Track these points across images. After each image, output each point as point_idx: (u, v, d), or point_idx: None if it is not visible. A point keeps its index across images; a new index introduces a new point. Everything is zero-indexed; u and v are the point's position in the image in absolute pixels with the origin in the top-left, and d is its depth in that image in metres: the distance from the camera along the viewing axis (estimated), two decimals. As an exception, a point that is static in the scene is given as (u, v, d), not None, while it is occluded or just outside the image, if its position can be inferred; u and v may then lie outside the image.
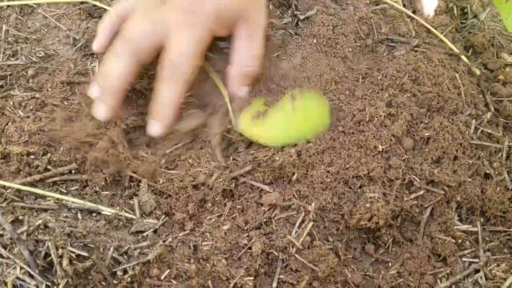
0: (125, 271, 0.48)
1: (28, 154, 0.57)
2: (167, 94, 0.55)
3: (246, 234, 0.53)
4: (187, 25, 0.53)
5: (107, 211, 0.54)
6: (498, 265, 0.56)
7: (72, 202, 0.54)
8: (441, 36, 0.71)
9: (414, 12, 0.76)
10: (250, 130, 0.53)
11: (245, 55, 0.58)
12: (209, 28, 0.55)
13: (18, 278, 0.45)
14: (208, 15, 0.54)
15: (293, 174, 0.56)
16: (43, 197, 0.54)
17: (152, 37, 0.54)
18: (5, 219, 0.47)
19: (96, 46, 0.62)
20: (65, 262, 0.46)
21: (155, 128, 0.57)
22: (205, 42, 0.55)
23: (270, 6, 0.71)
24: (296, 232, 0.52)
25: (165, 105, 0.56)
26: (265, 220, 0.53)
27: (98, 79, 0.58)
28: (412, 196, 0.57)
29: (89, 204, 0.54)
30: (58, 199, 0.54)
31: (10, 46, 0.67)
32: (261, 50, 0.59)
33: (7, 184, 0.53)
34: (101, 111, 0.56)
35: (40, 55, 0.66)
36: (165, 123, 0.56)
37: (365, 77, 0.66)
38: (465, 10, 0.80)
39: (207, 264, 0.50)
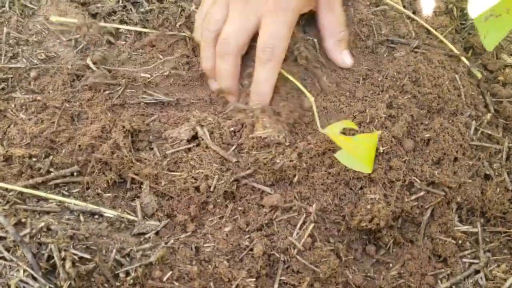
0: (127, 273, 0.48)
1: (30, 156, 0.57)
2: (265, 74, 0.59)
3: (248, 236, 0.53)
4: (278, 10, 0.57)
5: (109, 213, 0.54)
6: (498, 265, 0.56)
7: (74, 204, 0.54)
8: (441, 37, 0.71)
9: (414, 13, 0.77)
10: (336, 136, 0.54)
11: (334, 24, 0.64)
12: (298, 9, 0.59)
13: (21, 280, 0.45)
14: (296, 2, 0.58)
15: (294, 176, 0.56)
16: (45, 199, 0.54)
17: (248, 30, 0.59)
18: (8, 222, 0.47)
19: (214, 86, 0.66)
20: (68, 264, 0.46)
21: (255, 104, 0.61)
22: (294, 23, 0.60)
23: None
24: (297, 233, 0.52)
25: (264, 84, 0.60)
26: (266, 221, 0.53)
27: (217, 78, 0.63)
28: (413, 197, 0.57)
29: (91, 206, 0.54)
30: (60, 201, 0.54)
31: (11, 48, 0.67)
32: (343, 16, 0.65)
33: (9, 186, 0.53)
34: (230, 98, 0.64)
35: (41, 57, 0.66)
36: (265, 100, 0.60)
37: (366, 79, 0.66)
38: (465, 11, 0.80)
39: (209, 266, 0.50)
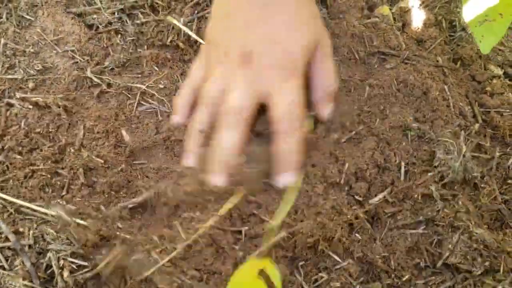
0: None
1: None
2: (289, 145, 0.55)
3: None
4: (286, 78, 0.55)
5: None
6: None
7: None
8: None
9: (404, 25, 0.79)
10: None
11: (325, 76, 0.60)
12: (304, 70, 0.57)
13: (20, 290, 0.46)
14: (301, 63, 0.56)
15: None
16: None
17: (255, 97, 0.54)
18: (9, 229, 0.48)
19: (176, 120, 0.62)
20: (66, 273, 0.47)
21: (288, 179, 0.55)
22: (302, 86, 0.57)
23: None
24: None
25: (291, 154, 0.55)
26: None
27: (212, 152, 0.55)
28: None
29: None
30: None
31: (8, 59, 0.68)
32: (334, 67, 0.62)
33: (8, 198, 0.54)
34: (219, 181, 0.54)
35: (38, 68, 0.67)
36: (294, 169, 0.55)
37: (357, 89, 0.67)
38: (454, 23, 0.82)
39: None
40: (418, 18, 0.79)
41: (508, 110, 0.71)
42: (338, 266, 0.54)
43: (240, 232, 0.54)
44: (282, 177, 0.55)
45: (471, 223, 0.56)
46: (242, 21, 0.56)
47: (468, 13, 0.59)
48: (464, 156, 0.60)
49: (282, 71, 0.55)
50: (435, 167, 0.60)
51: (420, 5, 0.81)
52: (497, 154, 0.65)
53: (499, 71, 0.77)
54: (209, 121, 0.56)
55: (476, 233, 0.55)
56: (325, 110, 0.61)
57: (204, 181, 0.54)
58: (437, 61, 0.73)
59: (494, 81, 0.75)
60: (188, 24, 0.72)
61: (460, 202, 0.58)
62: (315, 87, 0.60)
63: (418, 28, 0.78)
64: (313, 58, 0.59)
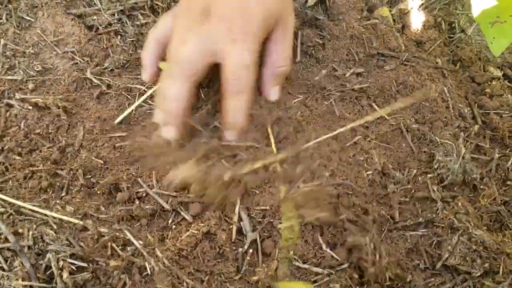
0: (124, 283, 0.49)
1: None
2: (237, 105, 0.56)
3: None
4: (239, 37, 0.54)
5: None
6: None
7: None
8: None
9: (403, 27, 0.79)
10: None
11: (279, 56, 0.59)
12: (260, 36, 0.56)
13: (19, 290, 0.46)
14: (258, 25, 0.55)
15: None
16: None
17: (205, 55, 0.55)
18: (9, 231, 0.48)
19: (145, 76, 0.63)
20: (65, 274, 0.47)
21: (231, 136, 0.58)
22: (258, 51, 0.56)
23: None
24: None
25: (237, 117, 0.57)
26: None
27: (159, 104, 0.58)
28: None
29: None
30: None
31: (8, 60, 0.67)
32: (291, 50, 0.61)
33: (8, 199, 0.54)
34: (169, 133, 0.57)
35: (38, 69, 0.67)
36: (240, 130, 0.58)
37: (357, 91, 0.67)
38: (453, 25, 0.83)
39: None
40: (417, 19, 0.79)
41: (507, 112, 0.71)
42: (338, 268, 0.54)
43: (242, 233, 0.54)
44: (227, 135, 0.57)
45: (471, 225, 0.56)
46: None
47: (479, 15, 0.59)
48: (463, 158, 0.60)
49: (238, 33, 0.54)
50: (434, 169, 0.60)
51: (420, 6, 0.81)
52: (497, 155, 0.66)
53: (499, 73, 0.77)
54: None
55: (476, 234, 0.55)
56: (271, 91, 0.61)
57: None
58: (437, 62, 0.73)
59: (494, 82, 0.76)
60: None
61: (459, 204, 0.58)
62: (266, 64, 0.60)
63: (418, 30, 0.78)
64: (272, 33, 0.58)
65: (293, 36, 0.61)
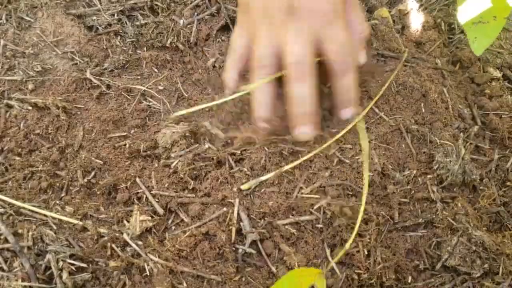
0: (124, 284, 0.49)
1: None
2: (347, 81, 0.58)
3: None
4: (331, 21, 0.56)
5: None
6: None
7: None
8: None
9: (403, 28, 0.79)
10: None
11: (357, 23, 0.61)
12: (344, 11, 0.57)
13: (19, 291, 0.46)
14: (340, 6, 0.56)
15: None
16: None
17: (312, 47, 0.56)
18: (8, 231, 0.48)
19: (229, 83, 0.63)
20: (65, 275, 0.47)
21: (348, 113, 0.60)
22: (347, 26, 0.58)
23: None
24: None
25: (350, 92, 0.59)
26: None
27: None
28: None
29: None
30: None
31: (8, 60, 0.67)
32: (363, 14, 0.63)
33: (8, 200, 0.54)
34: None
35: (37, 70, 0.67)
36: (354, 104, 0.60)
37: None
38: (452, 26, 0.83)
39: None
40: (417, 20, 0.79)
41: (507, 113, 0.71)
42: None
43: (241, 234, 0.54)
44: (344, 112, 0.60)
45: (470, 226, 0.56)
46: None
47: (463, 14, 0.60)
48: (463, 158, 0.60)
49: (326, 16, 0.55)
50: (434, 169, 0.60)
51: (419, 7, 0.81)
52: (496, 156, 0.66)
53: (498, 74, 0.77)
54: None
55: (475, 235, 0.55)
56: (360, 56, 0.63)
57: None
58: (436, 63, 0.73)
59: (493, 83, 0.76)
60: (188, 26, 0.72)
61: (459, 205, 0.58)
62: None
63: (417, 31, 0.78)
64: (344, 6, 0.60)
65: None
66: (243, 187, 0.55)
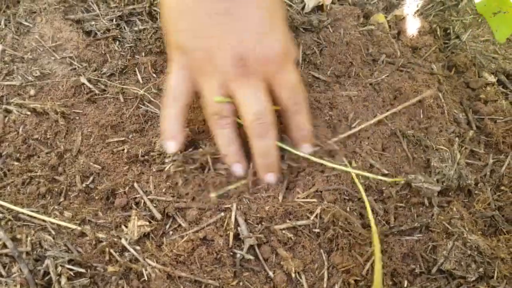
0: (122, 288, 0.49)
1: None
2: (266, 144, 0.57)
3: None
4: (280, 67, 0.56)
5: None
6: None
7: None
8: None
9: (399, 33, 0.80)
10: None
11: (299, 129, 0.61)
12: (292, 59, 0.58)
13: (18, 296, 0.46)
14: (287, 52, 0.57)
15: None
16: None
17: (266, 96, 0.56)
18: (7, 236, 0.48)
19: (173, 148, 0.60)
20: (63, 280, 0.47)
21: (273, 178, 0.59)
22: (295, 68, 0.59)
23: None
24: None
25: (269, 155, 0.58)
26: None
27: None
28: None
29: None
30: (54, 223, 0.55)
31: (6, 65, 0.68)
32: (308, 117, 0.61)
33: (6, 205, 0.54)
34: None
35: (36, 75, 0.67)
36: (278, 167, 0.59)
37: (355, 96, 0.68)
38: (448, 31, 0.84)
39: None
40: (413, 26, 0.80)
41: (501, 117, 0.72)
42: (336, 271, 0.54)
43: (239, 239, 0.54)
44: (304, 148, 0.60)
45: (466, 230, 0.56)
46: (208, 20, 0.53)
47: (480, 5, 0.61)
48: (458, 163, 0.61)
49: (275, 63, 0.55)
50: (430, 174, 0.61)
51: (415, 13, 0.82)
52: (491, 161, 0.66)
53: (493, 79, 0.78)
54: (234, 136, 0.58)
55: (470, 239, 0.56)
56: (304, 148, 0.61)
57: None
58: (432, 68, 0.74)
59: (488, 88, 0.76)
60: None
61: (454, 209, 0.59)
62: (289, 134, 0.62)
63: (413, 36, 0.79)
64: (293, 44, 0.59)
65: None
66: (211, 194, 0.56)
